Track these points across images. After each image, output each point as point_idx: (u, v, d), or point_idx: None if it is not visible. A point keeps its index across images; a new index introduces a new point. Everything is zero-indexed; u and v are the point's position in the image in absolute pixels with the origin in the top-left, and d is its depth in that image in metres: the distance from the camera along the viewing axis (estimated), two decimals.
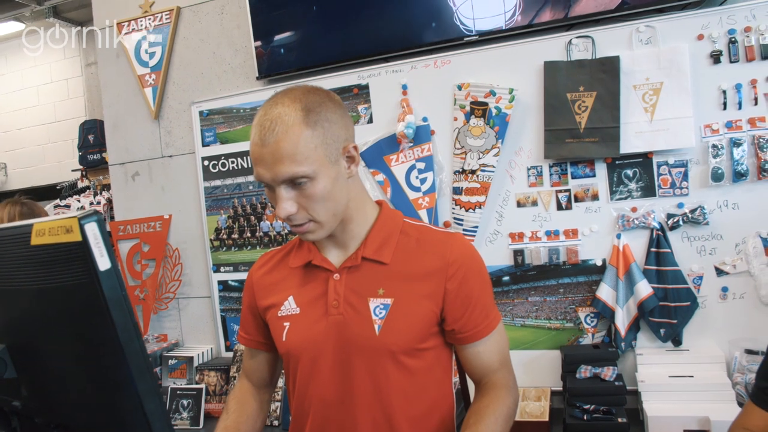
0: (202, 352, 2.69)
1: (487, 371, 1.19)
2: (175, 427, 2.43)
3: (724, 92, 1.98)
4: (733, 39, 1.96)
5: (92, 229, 0.72)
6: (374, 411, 1.12)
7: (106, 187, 3.22)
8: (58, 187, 3.67)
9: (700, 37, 2.00)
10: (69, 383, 0.83)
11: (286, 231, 2.60)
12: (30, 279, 0.80)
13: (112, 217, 3.09)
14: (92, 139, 3.55)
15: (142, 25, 2.85)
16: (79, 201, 3.36)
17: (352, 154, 1.10)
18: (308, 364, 1.16)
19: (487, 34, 2.22)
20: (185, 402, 2.51)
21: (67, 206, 3.40)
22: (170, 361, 2.66)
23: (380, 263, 1.14)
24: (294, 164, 1.01)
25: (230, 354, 2.69)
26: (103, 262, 0.73)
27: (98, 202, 3.25)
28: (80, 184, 3.57)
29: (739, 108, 1.97)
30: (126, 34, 2.88)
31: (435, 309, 1.13)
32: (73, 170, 3.80)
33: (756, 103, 1.95)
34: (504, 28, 2.20)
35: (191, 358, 2.64)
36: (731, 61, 1.97)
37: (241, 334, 1.34)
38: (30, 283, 0.80)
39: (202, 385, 2.53)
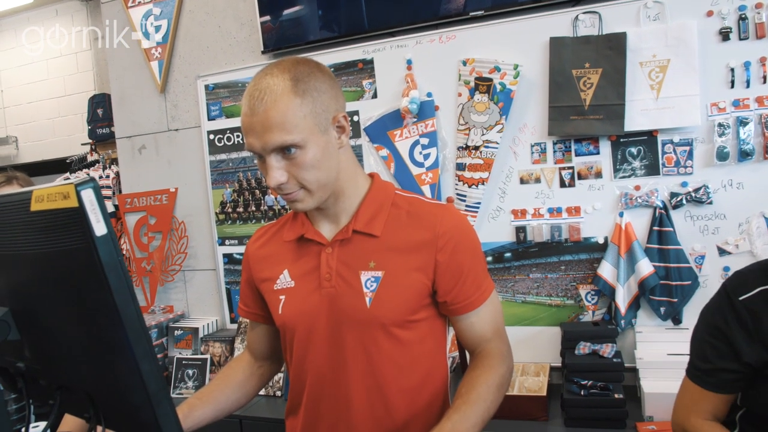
0: (208, 324, 2.73)
1: (481, 341, 1.20)
2: (180, 396, 2.49)
3: (732, 70, 1.95)
4: (743, 15, 1.93)
5: (88, 196, 0.73)
6: (367, 382, 1.14)
7: (116, 161, 3.25)
8: (67, 161, 3.69)
9: (710, 13, 1.97)
10: (69, 345, 0.86)
11: None
12: (30, 244, 0.82)
13: (120, 191, 3.12)
14: (101, 113, 3.57)
15: None
16: (88, 174, 3.39)
17: (342, 124, 1.11)
18: (303, 336, 1.18)
19: (494, 7, 2.20)
20: (190, 371, 2.56)
21: None
22: (176, 331, 2.71)
23: (371, 236, 1.15)
24: (283, 132, 1.02)
25: (235, 325, 2.74)
26: (99, 228, 0.74)
27: (107, 176, 3.27)
28: (89, 158, 3.58)
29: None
30: (132, 7, 2.88)
31: (426, 281, 1.14)
32: (82, 144, 3.81)
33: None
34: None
35: (197, 329, 2.68)
36: (740, 39, 1.94)
37: (241, 306, 1.36)
38: (30, 249, 0.82)
39: (207, 356, 2.58)
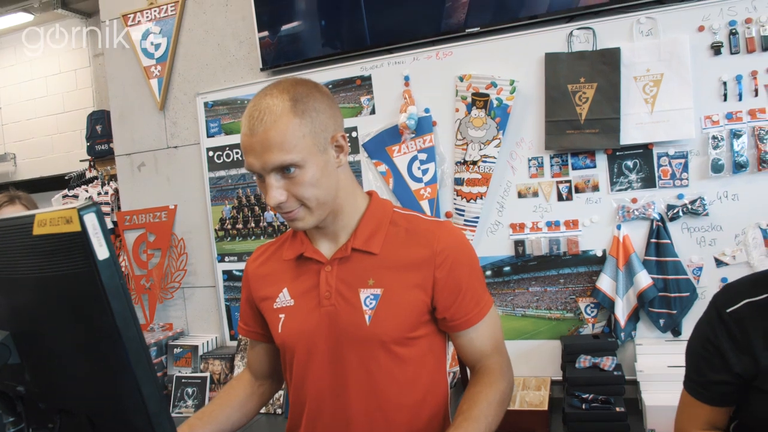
0: (207, 341, 2.73)
1: (481, 356, 1.21)
2: (179, 415, 2.47)
3: (725, 84, 1.98)
4: (733, 30, 1.95)
5: (91, 220, 0.74)
6: (367, 400, 1.14)
7: (114, 177, 3.25)
8: (66, 178, 3.70)
9: (701, 28, 1.99)
10: (70, 368, 0.86)
11: None
12: (32, 268, 0.82)
13: (119, 207, 3.12)
14: (100, 129, 3.58)
15: (147, 17, 2.87)
16: (87, 191, 3.40)
17: (341, 143, 1.12)
18: (303, 354, 1.18)
19: (490, 24, 2.23)
20: (190, 390, 2.55)
21: (75, 196, 3.43)
22: (175, 349, 2.71)
23: (370, 254, 1.16)
24: (283, 152, 1.04)
25: (234, 343, 2.73)
26: (101, 252, 0.75)
27: (106, 192, 3.28)
28: (88, 175, 3.59)
29: (740, 99, 1.97)
30: (132, 26, 2.91)
31: (425, 298, 1.15)
32: (81, 160, 3.83)
33: (756, 95, 1.95)
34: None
35: (196, 347, 2.68)
36: (732, 53, 1.96)
37: (241, 325, 1.37)
38: (32, 272, 0.82)
39: (207, 374, 2.58)
